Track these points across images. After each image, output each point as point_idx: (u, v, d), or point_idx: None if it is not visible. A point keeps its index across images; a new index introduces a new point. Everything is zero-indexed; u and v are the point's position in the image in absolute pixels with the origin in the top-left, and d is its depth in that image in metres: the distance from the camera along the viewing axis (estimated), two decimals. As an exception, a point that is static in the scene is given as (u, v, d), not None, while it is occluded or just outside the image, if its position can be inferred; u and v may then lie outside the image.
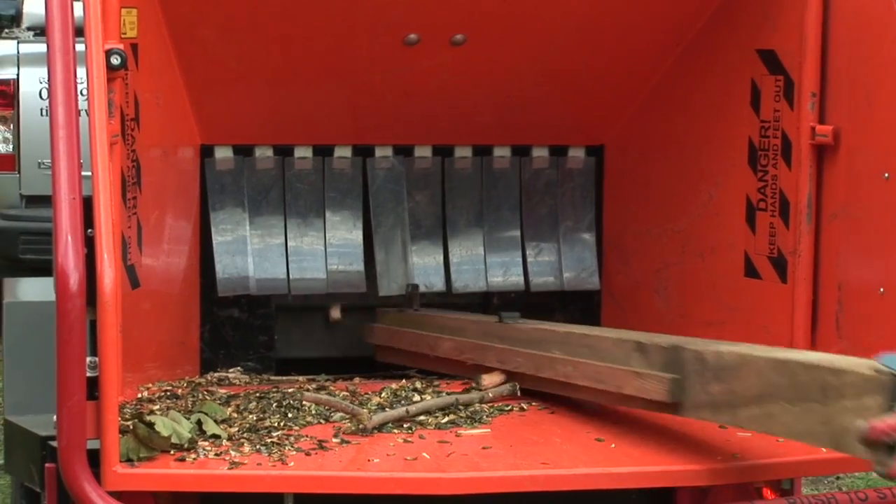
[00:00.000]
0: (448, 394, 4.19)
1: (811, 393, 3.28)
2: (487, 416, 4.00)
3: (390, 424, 3.85)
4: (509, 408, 4.12)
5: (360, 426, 3.78)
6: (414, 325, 5.03)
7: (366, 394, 4.20)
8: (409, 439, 3.76)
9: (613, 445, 3.72)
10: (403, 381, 4.37)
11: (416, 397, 4.16)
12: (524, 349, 4.35)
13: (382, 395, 4.19)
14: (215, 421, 3.75)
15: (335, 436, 3.74)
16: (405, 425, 3.86)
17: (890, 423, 3.03)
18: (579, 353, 4.14)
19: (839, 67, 4.32)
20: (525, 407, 4.14)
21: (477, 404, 4.10)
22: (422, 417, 3.93)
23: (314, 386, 4.40)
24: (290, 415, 3.92)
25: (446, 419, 3.95)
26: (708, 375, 3.63)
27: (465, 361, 4.60)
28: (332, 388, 4.35)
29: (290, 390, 4.21)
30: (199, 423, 3.70)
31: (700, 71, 4.82)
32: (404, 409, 3.94)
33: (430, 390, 4.26)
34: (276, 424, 3.82)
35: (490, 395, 4.18)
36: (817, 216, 4.41)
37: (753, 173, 4.59)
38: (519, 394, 4.23)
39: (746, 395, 3.51)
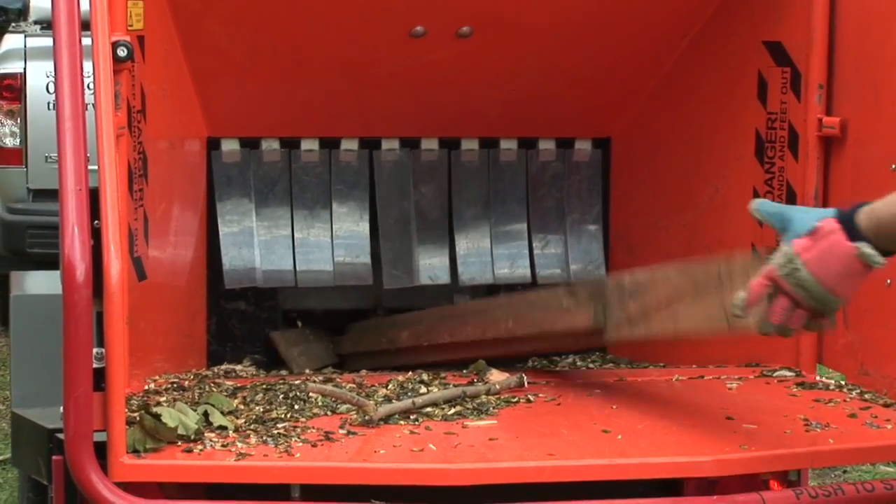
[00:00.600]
0: (455, 385, 4.19)
1: (709, 285, 3.60)
2: (494, 408, 4.00)
3: (397, 416, 3.85)
4: (516, 399, 4.12)
5: (367, 417, 3.78)
6: (376, 329, 5.25)
7: (372, 385, 4.20)
8: (416, 431, 3.76)
9: (620, 437, 3.72)
10: (410, 373, 4.37)
11: (423, 389, 4.16)
12: (472, 319, 4.70)
13: (389, 386, 4.19)
14: (222, 412, 3.75)
15: (341, 427, 3.74)
16: (412, 417, 3.86)
17: (763, 274, 3.18)
18: (520, 310, 4.48)
19: (846, 59, 4.31)
20: (532, 398, 4.14)
21: (484, 396, 4.10)
22: (428, 409, 3.93)
23: (321, 377, 4.40)
24: (296, 406, 3.92)
25: (453, 411, 3.95)
26: (625, 297, 3.95)
27: (421, 345, 4.88)
28: (338, 379, 4.35)
29: (296, 382, 4.22)
30: (205, 414, 3.70)
31: (706, 63, 4.82)
32: (410, 400, 3.94)
33: (436, 382, 4.26)
34: (282, 416, 3.82)
35: (497, 387, 4.18)
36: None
37: (760, 165, 4.58)
38: (526, 385, 4.23)
39: (657, 305, 3.80)
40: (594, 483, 3.53)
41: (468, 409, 3.99)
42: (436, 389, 4.16)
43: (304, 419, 3.81)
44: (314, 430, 3.70)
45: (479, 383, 4.25)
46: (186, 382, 4.27)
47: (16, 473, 5.89)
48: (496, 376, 4.33)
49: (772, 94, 4.52)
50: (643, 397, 4.13)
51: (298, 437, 3.63)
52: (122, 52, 3.74)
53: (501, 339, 4.49)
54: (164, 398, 3.92)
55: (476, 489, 3.44)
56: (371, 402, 3.89)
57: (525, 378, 4.26)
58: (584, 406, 4.10)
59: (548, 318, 4.32)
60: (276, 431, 3.66)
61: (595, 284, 4.19)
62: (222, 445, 3.54)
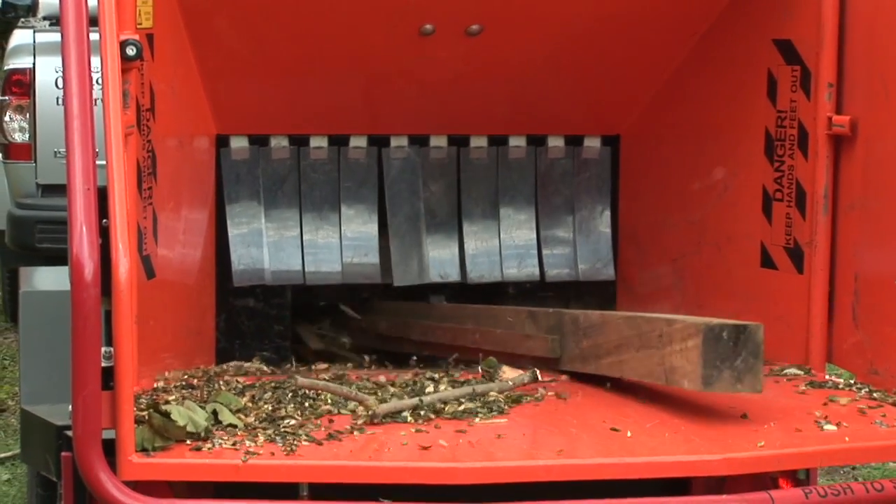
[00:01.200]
0: (467, 382, 4.19)
1: (651, 340, 3.97)
2: (503, 406, 4.00)
3: (406, 413, 3.84)
4: (525, 397, 4.12)
5: (369, 413, 3.78)
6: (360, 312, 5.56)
7: (380, 382, 4.20)
8: (424, 428, 3.75)
9: (629, 434, 3.72)
10: (418, 370, 4.38)
11: (430, 386, 4.16)
12: (443, 324, 5.00)
13: (397, 383, 4.19)
14: (231, 411, 3.75)
15: (350, 425, 3.74)
16: (421, 414, 3.86)
17: None
18: (486, 324, 4.84)
19: (856, 57, 4.30)
20: (540, 396, 4.14)
21: (493, 394, 4.10)
22: (438, 406, 3.92)
23: (329, 374, 4.39)
24: (305, 404, 3.92)
25: (462, 408, 3.94)
26: (580, 334, 4.33)
27: (396, 336, 5.24)
28: (347, 376, 4.34)
29: (305, 380, 4.21)
30: (214, 412, 3.70)
31: (716, 61, 4.81)
32: (418, 398, 3.94)
33: (445, 380, 4.26)
34: (291, 414, 3.82)
35: (511, 383, 4.19)
36: (834, 207, 4.40)
37: (770, 164, 4.58)
38: (540, 379, 4.24)
39: (607, 347, 4.19)
40: (602, 481, 3.53)
41: (477, 406, 3.98)
42: (444, 387, 4.16)
43: (312, 417, 3.80)
44: (322, 429, 3.70)
45: (486, 379, 4.25)
46: (195, 380, 4.26)
47: (25, 469, 5.90)
48: (508, 373, 4.33)
49: (781, 93, 4.51)
50: (652, 395, 4.13)
51: (307, 436, 3.62)
52: (130, 51, 3.72)
53: (469, 347, 4.75)
54: (173, 396, 3.91)
55: (485, 487, 3.44)
56: (371, 398, 3.89)
57: (538, 373, 4.27)
58: (593, 404, 4.09)
59: (510, 341, 4.63)
60: (284, 430, 3.66)
61: (554, 315, 4.48)
62: (231, 444, 3.53)
